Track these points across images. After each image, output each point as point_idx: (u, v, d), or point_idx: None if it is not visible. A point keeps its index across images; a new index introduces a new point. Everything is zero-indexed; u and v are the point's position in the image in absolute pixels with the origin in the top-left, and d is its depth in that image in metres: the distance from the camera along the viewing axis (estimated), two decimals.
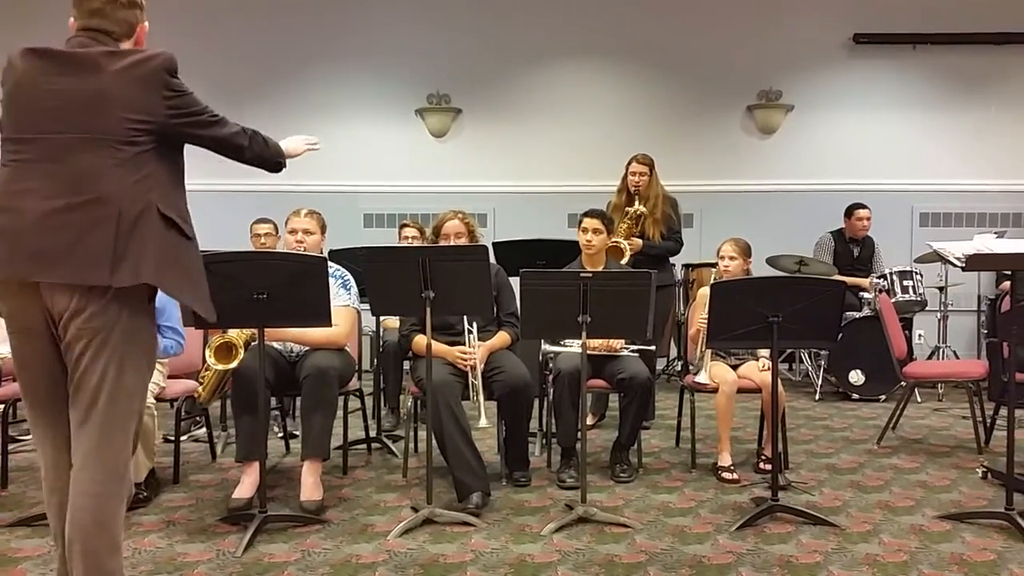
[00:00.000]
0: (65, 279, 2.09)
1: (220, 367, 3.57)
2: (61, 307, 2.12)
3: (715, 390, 4.02)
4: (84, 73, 2.15)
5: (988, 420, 4.63)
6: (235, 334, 3.60)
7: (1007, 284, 4.76)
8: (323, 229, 3.92)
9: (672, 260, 5.42)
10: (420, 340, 3.63)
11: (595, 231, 4.14)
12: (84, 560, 2.11)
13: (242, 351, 3.57)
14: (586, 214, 4.20)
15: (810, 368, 6.50)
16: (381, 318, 4.65)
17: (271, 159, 2.51)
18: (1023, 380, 3.65)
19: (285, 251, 3.75)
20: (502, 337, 3.89)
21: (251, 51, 7.40)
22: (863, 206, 6.40)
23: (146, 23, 2.33)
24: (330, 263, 3.43)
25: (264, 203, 6.12)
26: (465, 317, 3.76)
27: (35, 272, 2.10)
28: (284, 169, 2.58)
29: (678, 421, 4.55)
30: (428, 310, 3.25)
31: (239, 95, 7.38)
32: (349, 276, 3.90)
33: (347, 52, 7.52)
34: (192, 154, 2.35)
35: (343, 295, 3.79)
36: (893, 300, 5.56)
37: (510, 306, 3.96)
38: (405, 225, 5.48)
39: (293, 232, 3.81)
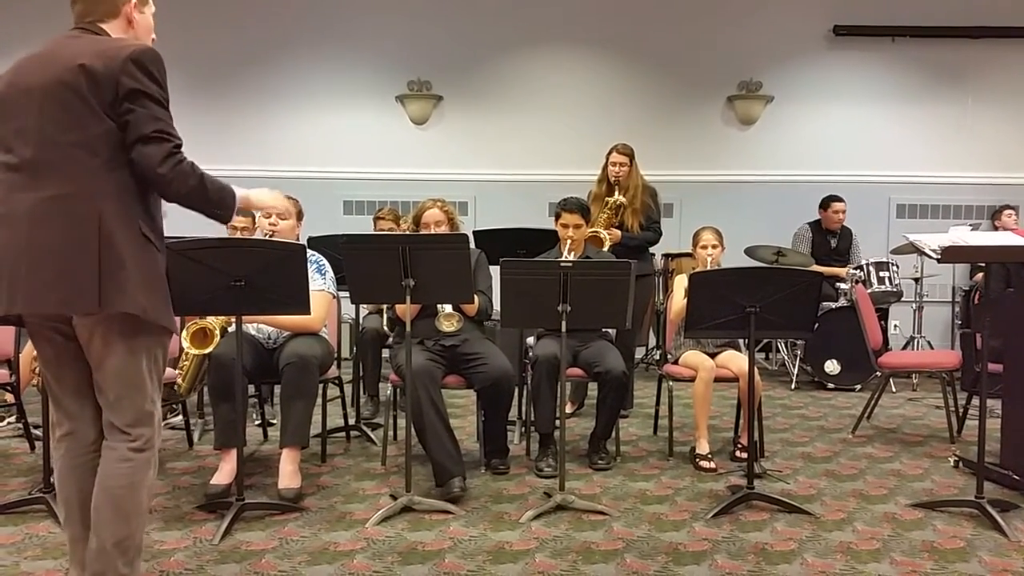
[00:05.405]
0: (57, 310, 2.11)
1: (195, 352, 3.55)
2: (62, 324, 2.20)
3: (693, 378, 4.05)
4: (54, 66, 2.09)
5: (961, 410, 4.70)
6: (211, 319, 3.58)
7: (981, 276, 4.83)
8: (299, 216, 3.88)
9: (651, 250, 5.43)
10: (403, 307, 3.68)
11: (576, 227, 4.11)
12: (114, 509, 2.21)
13: (218, 336, 3.55)
14: (565, 208, 4.13)
15: (786, 357, 6.56)
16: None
17: (208, 209, 2.31)
18: (995, 371, 3.71)
19: (263, 238, 3.72)
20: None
21: (231, 37, 7.31)
22: (839, 199, 6.46)
23: (138, 3, 2.28)
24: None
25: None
26: None
27: (28, 305, 2.11)
28: (226, 222, 2.41)
29: (656, 410, 4.58)
30: (408, 299, 3.25)
31: (218, 81, 7.34)
32: (324, 261, 3.88)
33: (328, 37, 7.44)
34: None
35: (318, 280, 3.76)
36: (869, 291, 5.62)
37: (482, 284, 3.95)
38: (380, 218, 5.29)
39: (268, 215, 3.79)
